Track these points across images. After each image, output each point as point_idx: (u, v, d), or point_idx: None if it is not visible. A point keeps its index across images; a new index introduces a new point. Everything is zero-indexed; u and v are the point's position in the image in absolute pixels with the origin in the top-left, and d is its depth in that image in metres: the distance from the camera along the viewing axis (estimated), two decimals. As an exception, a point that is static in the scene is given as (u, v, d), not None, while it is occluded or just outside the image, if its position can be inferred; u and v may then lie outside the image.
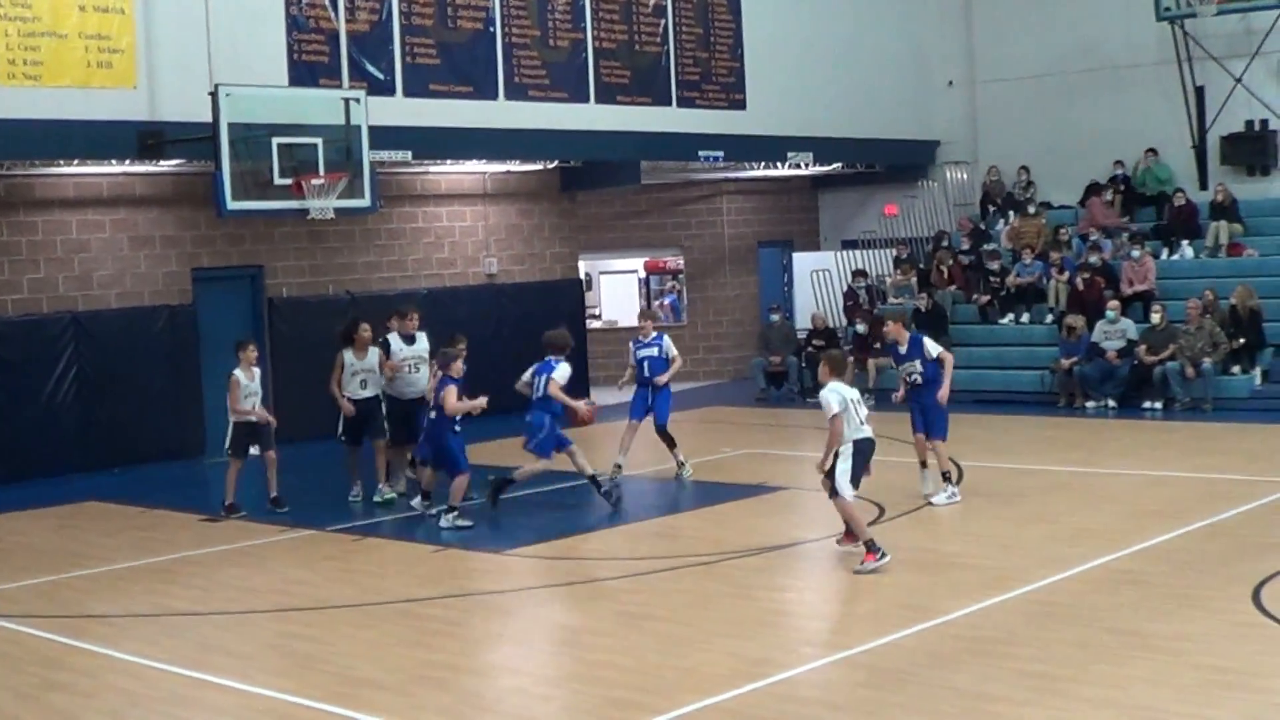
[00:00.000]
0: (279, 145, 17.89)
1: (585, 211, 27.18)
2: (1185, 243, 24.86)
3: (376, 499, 16.20)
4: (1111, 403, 21.77)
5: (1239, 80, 25.30)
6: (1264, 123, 25.53)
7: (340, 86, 19.51)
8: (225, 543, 14.58)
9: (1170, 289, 23.31)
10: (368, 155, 18.77)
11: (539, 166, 24.29)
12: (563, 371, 15.32)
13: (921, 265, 26.86)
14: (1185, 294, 22.42)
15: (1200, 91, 25.85)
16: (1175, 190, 25.59)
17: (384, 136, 19.53)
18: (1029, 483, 16.07)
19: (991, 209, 27.85)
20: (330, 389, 16.26)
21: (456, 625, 11.26)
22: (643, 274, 31.79)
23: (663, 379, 17.11)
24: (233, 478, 16.02)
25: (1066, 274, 23.93)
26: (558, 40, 22.73)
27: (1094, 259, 23.87)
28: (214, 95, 17.34)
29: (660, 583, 12.18)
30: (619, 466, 16.98)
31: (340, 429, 16.39)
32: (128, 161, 18.91)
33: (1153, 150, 26.29)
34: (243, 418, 15.98)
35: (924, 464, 15.16)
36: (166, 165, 19.32)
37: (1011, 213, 27.03)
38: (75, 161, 18.70)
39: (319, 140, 18.25)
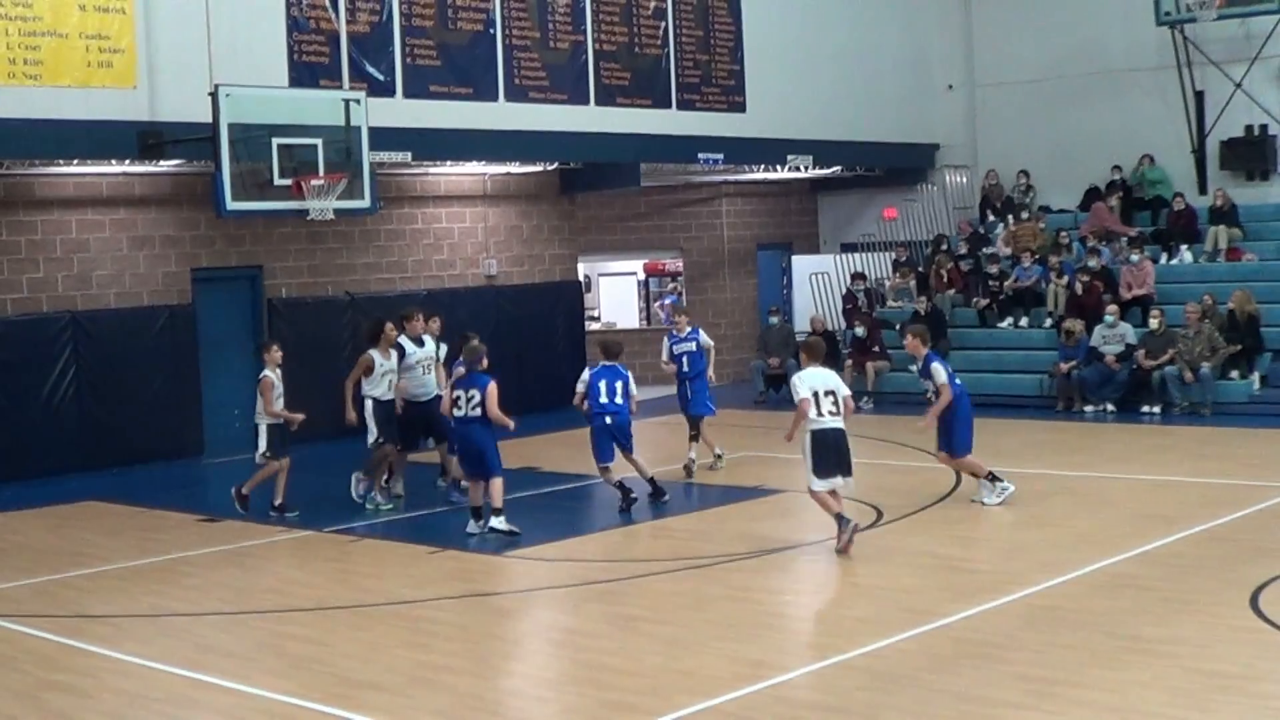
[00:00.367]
0: (279, 146, 17.88)
1: (585, 213, 27.19)
2: (1184, 247, 24.88)
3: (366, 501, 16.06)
4: (1110, 407, 21.77)
5: (1239, 85, 25.31)
6: (1263, 128, 25.54)
7: (340, 87, 19.51)
8: (224, 543, 14.57)
9: (1169, 293, 23.32)
10: (367, 156, 18.77)
11: (538, 168, 24.30)
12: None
13: (920, 269, 26.87)
14: (1184, 298, 22.42)
15: (1200, 96, 25.86)
16: (1174, 195, 25.61)
17: (384, 137, 19.53)
18: (1027, 487, 16.04)
19: (990, 212, 27.86)
20: (347, 388, 15.86)
21: (454, 627, 11.26)
22: (642, 276, 31.78)
23: (711, 373, 17.89)
24: (281, 479, 15.84)
25: (1065, 278, 23.94)
26: (558, 42, 22.73)
27: (1093, 263, 23.88)
28: (214, 95, 17.33)
29: (658, 585, 12.19)
30: (693, 460, 17.54)
31: (377, 433, 15.83)
32: (127, 161, 18.91)
33: (1149, 156, 26.30)
34: (276, 419, 15.77)
35: (972, 476, 15.13)
36: (166, 165, 19.32)
37: (1010, 216, 27.04)
38: (75, 161, 18.70)
39: (319, 141, 18.25)
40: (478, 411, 13.99)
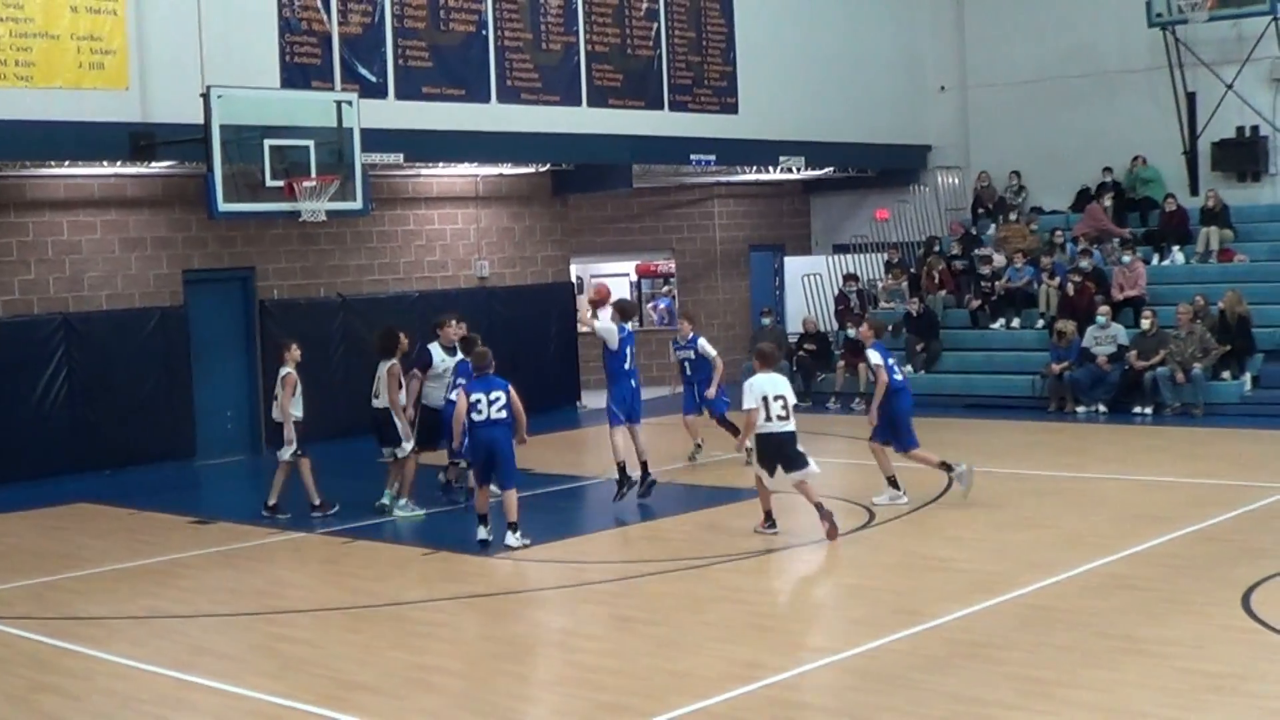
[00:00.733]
0: (271, 147, 17.86)
1: (577, 215, 27.18)
2: (1176, 248, 24.91)
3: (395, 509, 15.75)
4: (1102, 408, 21.79)
5: (1230, 86, 25.35)
6: (1255, 129, 25.57)
7: (332, 89, 19.54)
8: (216, 545, 14.56)
9: (1161, 294, 23.35)
10: (359, 158, 18.75)
11: (531, 169, 24.29)
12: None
13: (912, 270, 26.89)
14: (1176, 299, 22.46)
15: (1191, 97, 25.89)
16: (1166, 196, 25.64)
17: (376, 139, 19.51)
18: (1019, 487, 16.09)
19: (982, 214, 27.88)
20: (396, 398, 15.53)
21: (447, 628, 11.26)
22: (634, 277, 31.75)
23: (711, 391, 18.00)
24: (280, 479, 15.81)
25: (1057, 279, 23.96)
26: (550, 43, 22.73)
27: (1085, 264, 23.91)
28: (206, 97, 17.32)
29: (651, 586, 12.19)
30: (699, 446, 18.24)
31: (420, 439, 15.80)
32: (119, 163, 18.88)
33: (1141, 157, 26.32)
34: (294, 417, 15.70)
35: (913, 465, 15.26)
36: (158, 167, 19.29)
37: (1000, 217, 27.06)
38: (66, 163, 18.67)
39: (311, 142, 18.22)
40: (503, 414, 13.48)
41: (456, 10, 21.54)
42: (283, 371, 15.86)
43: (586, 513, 16.31)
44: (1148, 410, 21.41)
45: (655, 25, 24.27)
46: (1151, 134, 26.29)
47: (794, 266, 28.51)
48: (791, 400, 13.61)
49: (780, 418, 13.42)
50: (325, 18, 19.96)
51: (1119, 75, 26.77)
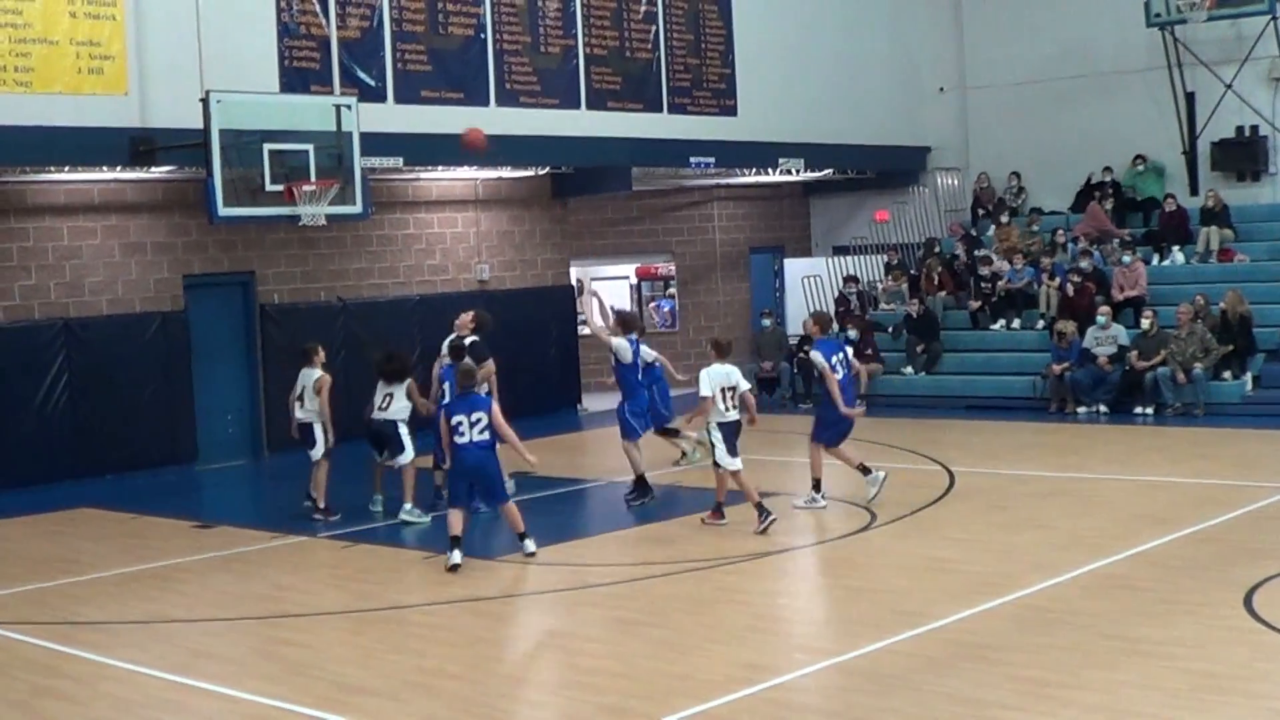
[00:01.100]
0: (270, 152, 17.84)
1: (577, 218, 27.18)
2: (1176, 248, 24.91)
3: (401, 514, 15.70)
4: (1103, 408, 21.78)
5: (1229, 86, 25.35)
6: (1254, 129, 25.58)
7: (331, 93, 19.52)
8: (217, 549, 14.55)
9: (1161, 294, 23.34)
10: (359, 161, 18.74)
11: (530, 173, 24.29)
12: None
13: (912, 271, 26.89)
14: (1176, 299, 22.45)
15: (1191, 97, 25.90)
16: (1166, 196, 25.64)
17: (375, 143, 19.51)
18: (1021, 488, 16.09)
19: (983, 215, 27.88)
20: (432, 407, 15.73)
21: (448, 631, 11.25)
22: (634, 280, 31.75)
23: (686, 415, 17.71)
24: (324, 480, 15.92)
25: (1057, 279, 23.96)
26: (549, 46, 22.73)
27: (1085, 264, 23.90)
28: (205, 102, 17.31)
29: (653, 588, 12.19)
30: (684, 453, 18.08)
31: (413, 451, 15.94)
32: (119, 168, 18.89)
33: (1141, 156, 26.32)
34: (326, 417, 15.94)
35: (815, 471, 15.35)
36: (158, 172, 19.30)
37: (994, 222, 27.03)
38: (66, 168, 18.69)
39: (310, 146, 18.21)
40: (485, 435, 13.10)
41: (455, 14, 21.54)
42: (315, 374, 16.01)
43: (587, 516, 16.30)
44: (1149, 411, 21.40)
45: (654, 28, 24.27)
46: (1151, 134, 26.29)
47: (794, 268, 28.51)
48: (744, 388, 14.34)
49: (733, 407, 14.19)
50: (324, 22, 19.96)
51: (1118, 75, 26.77)
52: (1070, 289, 23.42)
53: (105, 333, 19.66)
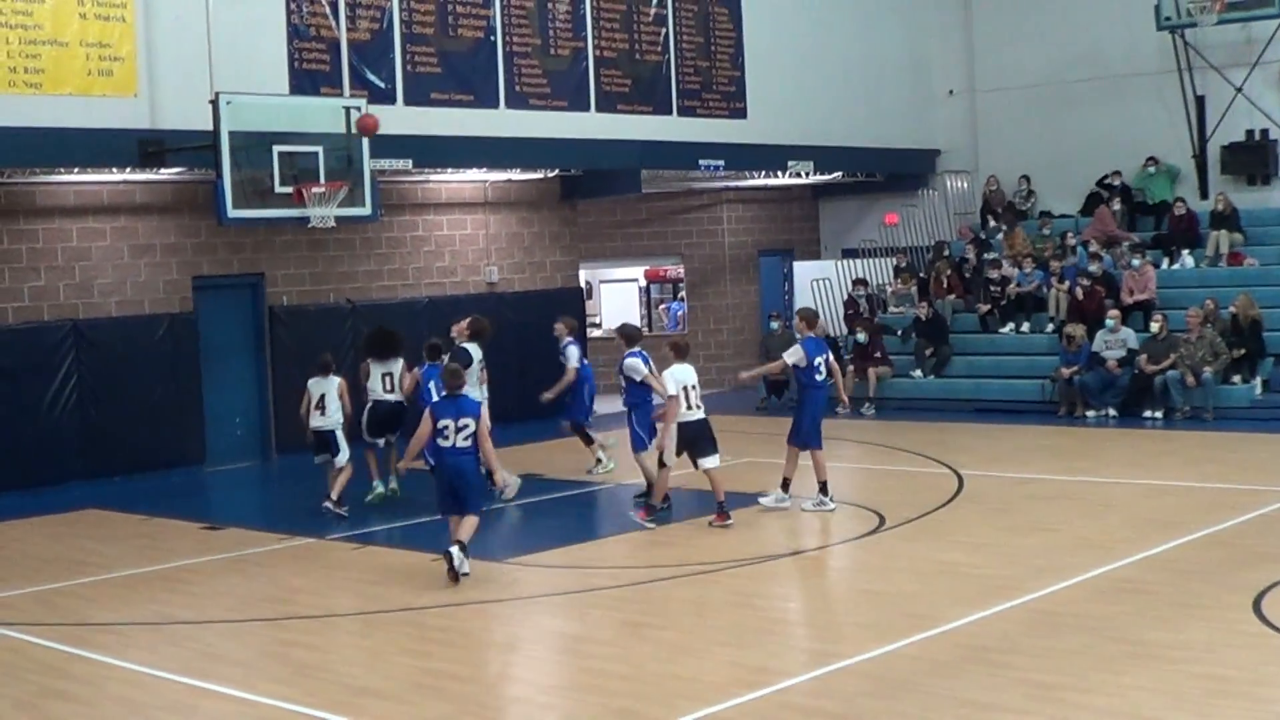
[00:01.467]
0: (280, 153, 17.86)
1: (586, 220, 27.19)
2: (1186, 252, 24.87)
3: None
4: (1112, 412, 21.75)
5: (1239, 90, 25.31)
6: (1264, 132, 25.54)
7: (341, 95, 19.54)
8: (226, 551, 14.56)
9: (1171, 298, 23.30)
10: (368, 163, 18.76)
11: (539, 175, 24.30)
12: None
13: (921, 274, 26.87)
14: (1186, 303, 22.41)
15: (1201, 101, 25.86)
16: (1175, 199, 25.61)
17: (385, 145, 19.51)
18: (1029, 492, 16.08)
19: (992, 218, 27.84)
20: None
21: (457, 633, 11.26)
22: (643, 283, 31.79)
23: (550, 395, 18.03)
24: (343, 478, 16.14)
25: (1067, 283, 23.94)
26: (558, 49, 22.74)
27: (1094, 268, 23.88)
28: (215, 103, 17.33)
29: (660, 591, 12.19)
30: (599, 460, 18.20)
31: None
32: (128, 169, 18.92)
33: (1153, 158, 26.28)
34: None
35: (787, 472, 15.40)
36: (167, 173, 19.33)
37: (1004, 229, 26.98)
38: (76, 169, 18.73)
39: (320, 148, 18.23)
40: (469, 443, 12.59)
41: (465, 16, 21.56)
42: (338, 381, 16.15)
43: (595, 518, 16.30)
44: (1158, 414, 21.37)
45: (664, 30, 24.28)
46: (1161, 137, 26.26)
47: (803, 271, 28.50)
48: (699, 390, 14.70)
49: (697, 406, 14.54)
50: (334, 24, 19.99)
51: (1128, 79, 26.74)
52: (1079, 292, 23.40)
53: (114, 334, 19.69)
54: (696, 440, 14.61)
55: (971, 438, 20.54)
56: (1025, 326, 24.62)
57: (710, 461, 14.65)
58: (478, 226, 24.28)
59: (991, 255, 26.08)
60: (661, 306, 31.58)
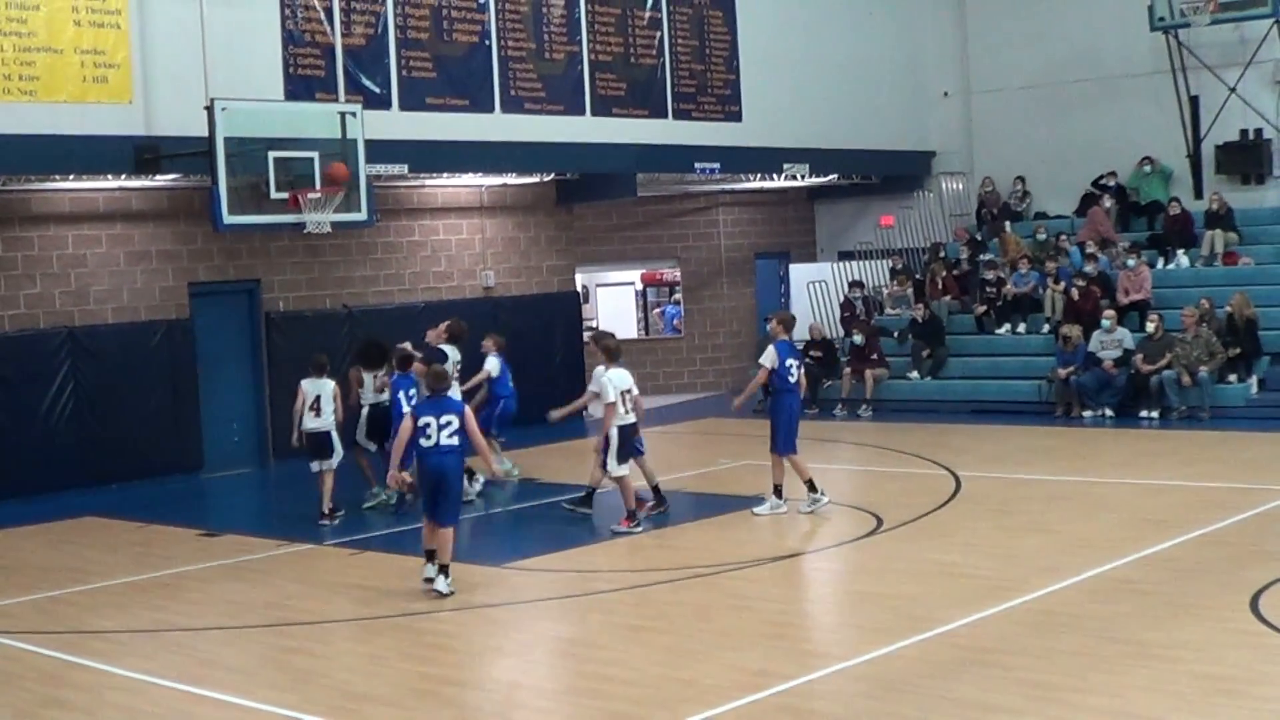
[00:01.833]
0: (275, 159, 17.89)
1: (582, 224, 27.19)
2: (1181, 252, 24.89)
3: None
4: (1108, 412, 21.76)
5: (1233, 90, 25.34)
6: (1258, 132, 25.56)
7: (336, 100, 19.55)
8: (223, 558, 14.56)
9: (1166, 298, 23.33)
10: (364, 169, 18.78)
11: (535, 179, 24.29)
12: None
13: (918, 276, 26.88)
14: (1181, 303, 22.42)
15: (1195, 101, 25.88)
16: (1170, 199, 25.63)
17: (380, 150, 19.53)
18: (1026, 492, 16.08)
19: (988, 219, 27.86)
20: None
21: (456, 638, 11.26)
22: (639, 286, 31.78)
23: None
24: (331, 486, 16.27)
25: (1062, 284, 23.96)
26: (553, 53, 22.75)
27: (1090, 268, 23.90)
28: (210, 110, 17.35)
29: (660, 595, 12.18)
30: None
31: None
32: (124, 176, 18.90)
33: (1148, 158, 26.30)
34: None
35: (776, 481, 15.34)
36: (163, 180, 19.31)
37: (998, 234, 27.00)
38: (71, 176, 18.69)
39: (315, 154, 18.25)
40: (454, 440, 12.32)
41: (460, 21, 21.57)
42: (331, 384, 16.19)
43: (593, 522, 16.29)
44: (1154, 414, 21.38)
45: (658, 34, 24.29)
46: (1155, 138, 26.28)
47: (799, 274, 28.52)
48: (636, 393, 14.86)
49: (631, 410, 14.72)
50: (328, 29, 19.99)
51: (1122, 79, 26.77)
52: (1075, 293, 23.41)
53: (111, 341, 19.68)
54: (629, 444, 14.80)
55: (968, 439, 20.54)
56: (1021, 327, 24.65)
57: (622, 470, 14.79)
58: (474, 231, 24.28)
59: (987, 256, 26.11)
60: (656, 311, 31.58)
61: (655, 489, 15.65)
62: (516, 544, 14.68)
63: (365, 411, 16.72)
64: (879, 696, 9.02)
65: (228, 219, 17.61)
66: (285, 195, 17.95)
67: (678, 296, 30.28)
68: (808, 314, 26.92)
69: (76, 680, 10.39)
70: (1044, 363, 23.12)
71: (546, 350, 24.56)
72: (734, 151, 25.20)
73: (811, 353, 25.00)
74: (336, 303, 22.16)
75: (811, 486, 15.10)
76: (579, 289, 26.88)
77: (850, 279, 27.25)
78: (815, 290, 27.23)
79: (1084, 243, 25.12)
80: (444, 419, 12.29)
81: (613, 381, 14.63)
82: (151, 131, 18.32)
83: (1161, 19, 25.36)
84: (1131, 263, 23.80)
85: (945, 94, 29.04)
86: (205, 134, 17.34)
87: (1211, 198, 25.16)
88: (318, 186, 18.17)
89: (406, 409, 14.53)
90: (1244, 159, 25.76)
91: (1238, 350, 21.55)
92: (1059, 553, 12.87)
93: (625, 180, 24.40)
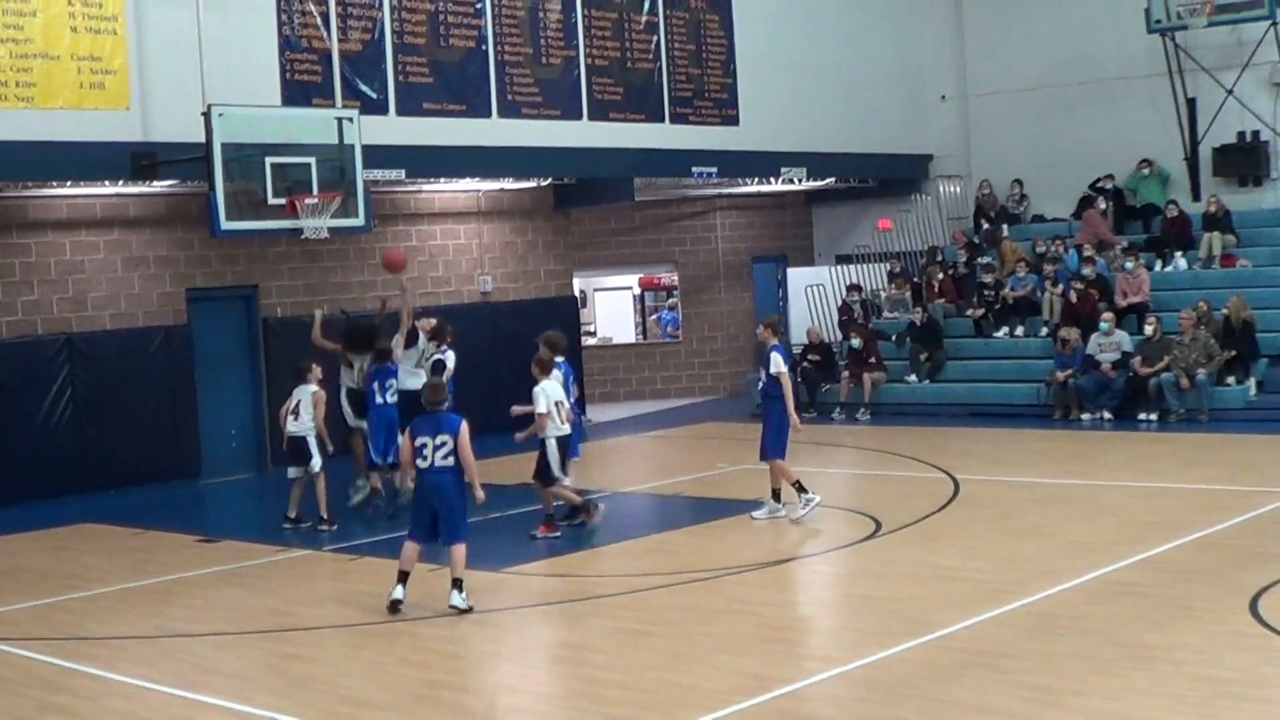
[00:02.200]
0: (272, 165, 17.85)
1: (579, 229, 27.19)
2: (1178, 254, 24.89)
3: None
4: (1107, 414, 21.76)
5: (1230, 92, 25.35)
6: (1255, 134, 25.58)
7: (333, 106, 19.55)
8: (222, 564, 14.55)
9: (1164, 300, 23.33)
10: (361, 174, 18.76)
11: (532, 184, 24.29)
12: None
13: (915, 279, 26.88)
14: (1179, 305, 22.44)
15: (1192, 103, 25.90)
16: (1168, 202, 25.63)
17: (377, 155, 19.52)
18: (1025, 495, 16.08)
19: (985, 222, 27.86)
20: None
21: (454, 644, 11.24)
22: (637, 291, 31.77)
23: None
24: (324, 492, 16.30)
25: (1060, 286, 23.96)
26: (550, 58, 22.76)
27: (1088, 271, 23.90)
28: (207, 115, 17.33)
29: (658, 599, 12.17)
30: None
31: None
32: (121, 182, 18.89)
33: (1146, 160, 26.30)
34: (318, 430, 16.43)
35: (775, 484, 15.27)
36: (160, 186, 19.30)
37: (991, 242, 26.99)
38: (68, 183, 18.70)
39: (312, 160, 18.22)
40: (449, 461, 11.78)
41: (456, 26, 21.57)
42: (312, 389, 16.18)
43: (591, 526, 16.27)
44: (1153, 416, 21.38)
45: (655, 38, 24.30)
46: (1152, 140, 26.30)
47: (797, 277, 28.51)
48: (568, 405, 14.96)
49: (566, 420, 14.82)
50: (325, 35, 19.99)
51: (1119, 82, 26.79)
52: (1073, 296, 23.42)
53: (108, 347, 19.67)
54: (566, 453, 14.93)
55: (967, 442, 20.54)
56: (1019, 330, 24.65)
57: (566, 479, 15.00)
58: (471, 236, 24.27)
59: (985, 259, 26.11)
60: (654, 315, 31.57)
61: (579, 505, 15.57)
62: (514, 549, 14.65)
63: (343, 393, 16.89)
64: (878, 700, 9.01)
65: (225, 225, 17.59)
66: (282, 201, 17.92)
67: (675, 301, 30.26)
68: (805, 318, 26.95)
69: (75, 686, 10.38)
70: (1042, 366, 23.12)
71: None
72: (731, 155, 25.21)
73: (809, 356, 25.02)
74: (334, 308, 22.11)
75: (800, 488, 15.02)
76: (577, 294, 26.87)
77: (848, 283, 27.25)
78: (813, 294, 27.22)
79: (1081, 245, 25.13)
80: (439, 439, 11.79)
81: (545, 392, 14.65)
82: (149, 137, 18.32)
83: (1158, 21, 25.38)
84: (1129, 265, 23.81)
85: (943, 97, 29.05)
86: (202, 140, 17.32)
87: (1209, 200, 25.17)
88: (315, 192, 18.14)
89: (380, 400, 16.08)
90: (1241, 161, 25.78)
91: (1235, 353, 21.54)
92: (1058, 555, 12.86)
93: (622, 185, 24.39)
